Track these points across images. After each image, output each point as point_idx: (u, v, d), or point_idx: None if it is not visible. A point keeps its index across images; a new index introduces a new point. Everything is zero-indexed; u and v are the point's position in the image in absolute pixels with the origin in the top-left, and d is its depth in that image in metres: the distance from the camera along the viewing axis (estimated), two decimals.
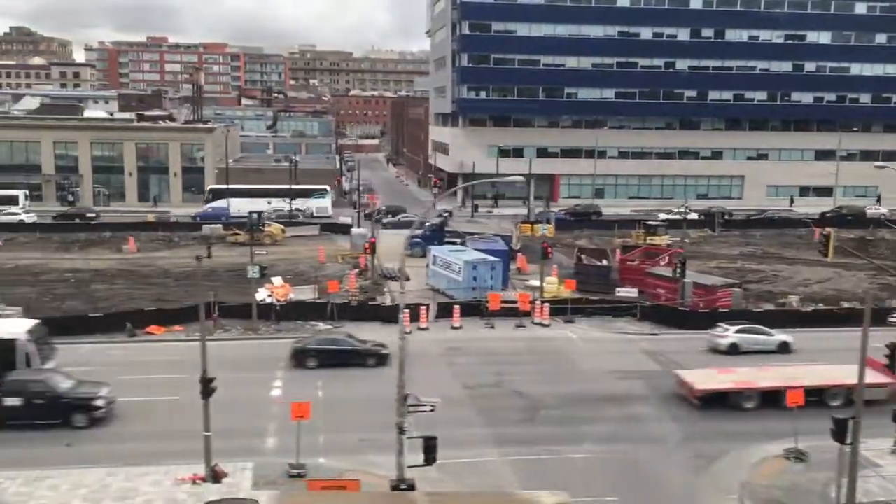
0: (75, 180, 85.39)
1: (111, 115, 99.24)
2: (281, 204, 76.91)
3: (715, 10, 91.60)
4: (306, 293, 45.91)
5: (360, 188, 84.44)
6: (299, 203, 77.88)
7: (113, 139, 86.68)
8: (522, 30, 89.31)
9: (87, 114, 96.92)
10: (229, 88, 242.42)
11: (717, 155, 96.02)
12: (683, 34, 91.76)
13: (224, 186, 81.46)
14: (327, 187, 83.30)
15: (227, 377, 32.98)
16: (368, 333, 41.04)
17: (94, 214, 76.01)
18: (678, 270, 43.63)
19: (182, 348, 38.17)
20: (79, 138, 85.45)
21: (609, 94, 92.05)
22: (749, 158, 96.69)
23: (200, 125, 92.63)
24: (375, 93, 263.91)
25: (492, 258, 47.26)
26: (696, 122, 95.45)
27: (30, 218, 72.69)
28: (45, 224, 72.78)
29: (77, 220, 73.99)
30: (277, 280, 46.71)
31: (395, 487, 19.32)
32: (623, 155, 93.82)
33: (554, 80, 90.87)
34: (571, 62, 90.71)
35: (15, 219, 72.02)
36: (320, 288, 47.00)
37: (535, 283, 51.45)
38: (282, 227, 67.24)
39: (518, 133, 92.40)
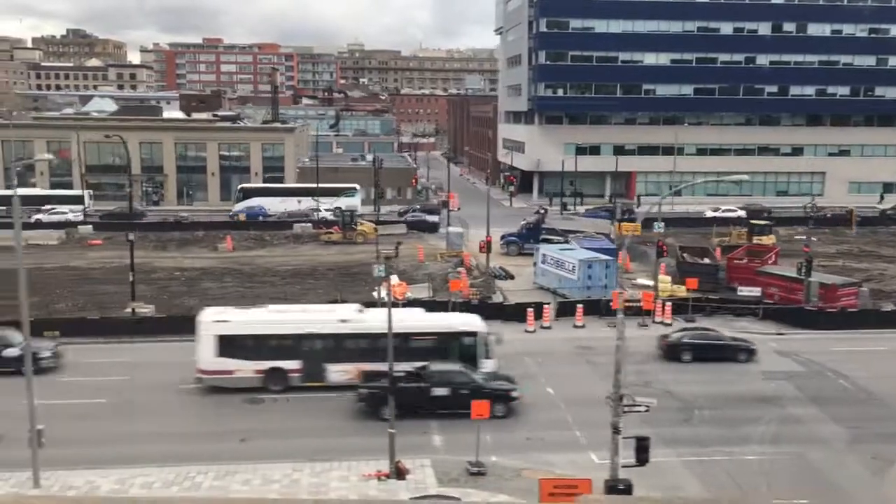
0: (160, 180, 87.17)
1: (189, 115, 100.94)
2: (311, 203, 77.44)
3: (797, 3, 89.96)
4: (421, 291, 46.19)
5: (441, 188, 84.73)
6: (329, 202, 78.15)
7: (196, 139, 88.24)
8: (600, 26, 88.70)
9: (165, 115, 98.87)
10: (283, 88, 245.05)
11: (797, 151, 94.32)
12: (764, 28, 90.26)
13: (254, 185, 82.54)
14: (356, 186, 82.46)
15: None
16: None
17: (140, 213, 77.15)
18: (803, 269, 42.92)
19: None
20: (163, 139, 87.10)
21: (688, 90, 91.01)
22: (830, 154, 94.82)
23: (280, 125, 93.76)
24: (427, 91, 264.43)
25: (605, 256, 47.06)
26: (775, 118, 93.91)
27: (76, 217, 73.55)
28: (92, 222, 73.29)
29: (124, 220, 74.51)
30: (394, 279, 46.95)
31: (611, 487, 19.32)
32: (701, 152, 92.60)
33: (632, 77, 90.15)
34: (650, 58, 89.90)
35: (62, 217, 73.33)
36: (434, 287, 47.25)
37: (642, 281, 51.09)
38: (373, 225, 67.72)
39: (595, 130, 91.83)
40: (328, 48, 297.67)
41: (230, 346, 31.32)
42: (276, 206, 78.22)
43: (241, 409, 30.56)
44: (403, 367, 30.01)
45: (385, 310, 24.45)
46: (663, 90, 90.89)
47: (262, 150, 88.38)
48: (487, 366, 31.90)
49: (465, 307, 42.92)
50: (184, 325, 39.68)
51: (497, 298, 46.79)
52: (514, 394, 29.91)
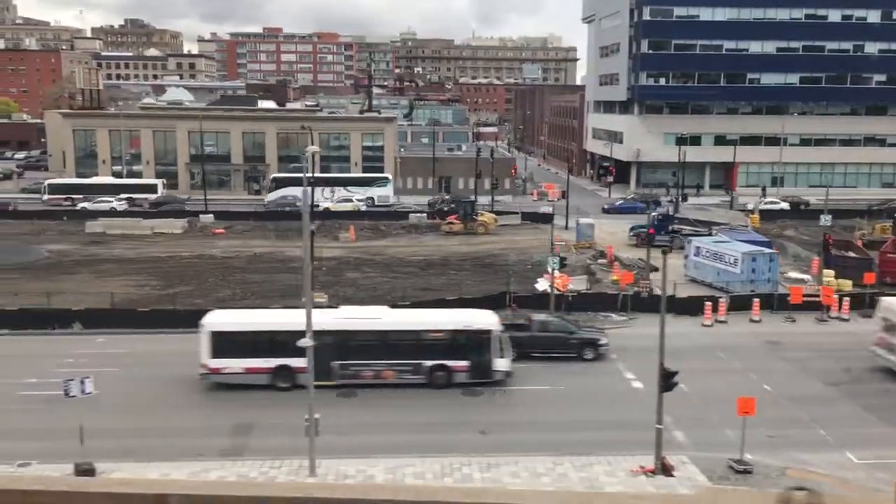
0: (262, 170, 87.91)
1: (282, 105, 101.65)
2: (344, 193, 77.10)
3: None
4: (580, 284, 45.88)
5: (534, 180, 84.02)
6: (361, 191, 77.41)
7: (297, 130, 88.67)
8: (705, 14, 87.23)
9: (260, 105, 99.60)
10: (342, 78, 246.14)
11: None
12: (874, 16, 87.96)
13: (286, 175, 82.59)
14: (389, 176, 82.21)
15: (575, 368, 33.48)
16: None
17: (182, 202, 77.61)
18: None
19: None
20: (266, 129, 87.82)
21: (793, 79, 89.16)
22: None
23: (378, 115, 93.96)
24: (483, 80, 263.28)
25: (768, 250, 46.26)
26: (883, 108, 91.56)
27: (121, 206, 74.20)
28: (139, 211, 73.80)
29: (168, 209, 74.86)
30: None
31: None
32: (805, 142, 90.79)
33: (736, 66, 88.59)
34: (755, 47, 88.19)
35: (107, 206, 73.93)
36: (592, 279, 46.94)
37: (795, 274, 50.27)
38: (494, 216, 67.53)
39: (696, 120, 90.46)
40: (378, 37, 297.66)
41: None
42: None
43: (485, 400, 30.64)
44: None
45: None
46: (768, 79, 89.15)
47: (361, 141, 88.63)
48: None
49: (637, 301, 42.60)
50: None
51: (656, 292, 46.23)
52: None
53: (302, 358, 30.15)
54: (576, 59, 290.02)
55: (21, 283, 48.53)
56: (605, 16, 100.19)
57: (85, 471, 23.43)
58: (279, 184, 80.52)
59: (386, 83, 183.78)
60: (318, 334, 30.62)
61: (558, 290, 44.23)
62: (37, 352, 35.41)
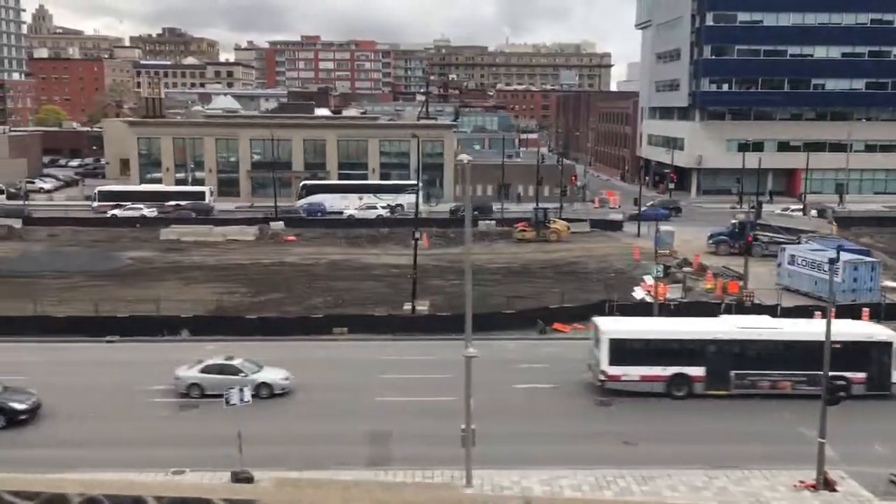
0: (322, 177, 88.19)
1: (338, 112, 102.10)
2: (372, 199, 77.04)
3: None
4: (676, 292, 45.38)
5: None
6: (389, 199, 77.30)
7: (357, 137, 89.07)
8: (769, 19, 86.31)
9: (317, 113, 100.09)
10: (380, 85, 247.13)
11: None
12: None
13: (316, 182, 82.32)
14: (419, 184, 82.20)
15: None
16: None
17: (209, 209, 77.57)
18: None
19: None
20: (327, 136, 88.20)
21: (859, 84, 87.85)
22: None
23: (438, 122, 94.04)
24: (521, 86, 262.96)
25: (869, 259, 45.43)
26: None
27: (151, 213, 74.91)
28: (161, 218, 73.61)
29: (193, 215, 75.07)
30: (649, 279, 46.31)
31: None
32: (870, 149, 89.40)
33: (800, 71, 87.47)
34: (820, 52, 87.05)
35: (137, 213, 74.48)
36: (684, 288, 46.45)
37: (890, 283, 49.36)
38: (567, 224, 67.19)
39: (758, 126, 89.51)
40: (412, 44, 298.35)
41: None
42: (337, 202, 78.18)
43: (621, 410, 30.36)
44: None
45: None
46: (833, 85, 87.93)
47: (421, 148, 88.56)
48: None
49: (740, 309, 41.95)
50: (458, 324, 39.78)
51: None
52: None
53: (699, 367, 30.26)
54: (610, 65, 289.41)
55: (112, 289, 49.04)
56: (662, 22, 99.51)
57: (243, 479, 23.41)
58: (309, 190, 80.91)
59: (430, 90, 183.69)
60: (718, 343, 31.11)
61: (659, 298, 43.83)
62: (152, 359, 35.60)
